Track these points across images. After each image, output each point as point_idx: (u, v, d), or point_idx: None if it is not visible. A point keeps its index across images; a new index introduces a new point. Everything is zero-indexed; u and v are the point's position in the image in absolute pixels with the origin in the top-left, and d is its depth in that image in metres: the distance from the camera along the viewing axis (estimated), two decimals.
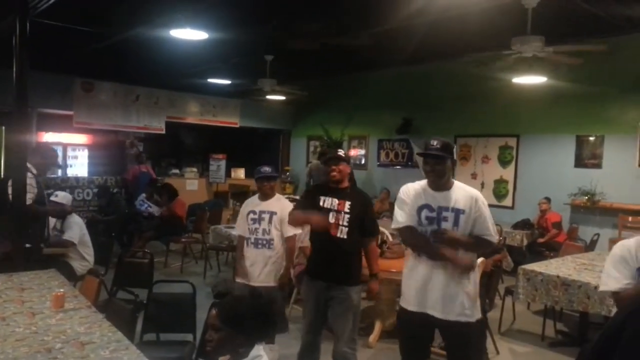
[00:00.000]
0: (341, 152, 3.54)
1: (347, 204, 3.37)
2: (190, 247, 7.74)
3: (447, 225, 2.77)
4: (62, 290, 3.06)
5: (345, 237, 3.35)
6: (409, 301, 2.88)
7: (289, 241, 3.92)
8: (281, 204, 3.97)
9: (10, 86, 4.44)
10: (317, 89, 10.17)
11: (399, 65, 8.73)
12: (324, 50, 7.22)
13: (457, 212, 2.77)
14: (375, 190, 10.25)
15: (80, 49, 7.48)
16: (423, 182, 2.90)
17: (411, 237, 2.91)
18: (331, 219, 3.36)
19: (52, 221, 4.94)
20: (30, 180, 4.26)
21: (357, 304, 3.43)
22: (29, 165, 4.33)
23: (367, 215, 3.45)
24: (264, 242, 3.90)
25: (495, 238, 2.86)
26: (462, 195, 2.80)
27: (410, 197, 2.89)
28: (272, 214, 3.91)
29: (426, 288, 2.80)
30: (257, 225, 3.92)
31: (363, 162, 11.02)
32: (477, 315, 2.86)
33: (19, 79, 4.41)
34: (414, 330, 2.90)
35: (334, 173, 3.41)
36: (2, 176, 8.24)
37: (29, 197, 4.22)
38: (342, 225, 3.35)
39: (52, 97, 9.08)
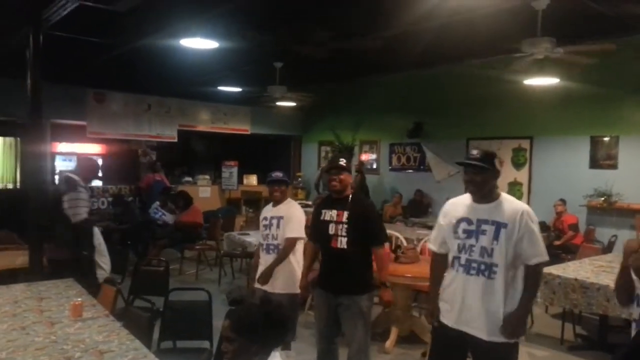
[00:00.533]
0: (342, 162, 3.52)
1: (346, 214, 3.38)
2: (205, 254, 7.77)
3: (485, 240, 2.60)
4: (80, 299, 3.08)
5: (345, 247, 3.36)
6: (444, 315, 2.78)
7: (286, 241, 3.86)
8: (288, 208, 3.97)
9: (24, 98, 4.51)
10: (327, 94, 10.19)
11: (409, 69, 8.69)
12: (333, 55, 7.23)
13: (499, 225, 2.58)
14: (387, 194, 10.23)
15: (92, 60, 7.57)
16: (468, 194, 2.77)
17: (432, 269, 2.92)
18: (331, 230, 3.40)
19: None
20: (84, 195, 4.31)
21: (366, 311, 3.41)
22: (76, 178, 4.38)
23: (369, 223, 3.41)
24: (273, 247, 3.91)
25: (546, 258, 2.61)
26: (506, 208, 2.61)
27: (448, 212, 2.82)
28: (279, 219, 3.91)
29: (463, 304, 2.67)
30: (267, 231, 3.95)
31: (375, 166, 11.00)
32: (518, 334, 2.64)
33: (33, 90, 4.49)
34: (445, 345, 2.80)
35: (334, 183, 3.43)
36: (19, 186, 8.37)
37: (83, 212, 4.27)
38: (341, 236, 3.37)
39: (65, 108, 9.19)
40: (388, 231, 5.95)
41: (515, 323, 2.57)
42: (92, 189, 9.36)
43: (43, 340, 2.62)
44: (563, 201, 7.37)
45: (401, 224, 8.14)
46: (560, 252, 6.86)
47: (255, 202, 10.46)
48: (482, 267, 2.60)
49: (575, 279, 4.31)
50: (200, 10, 5.27)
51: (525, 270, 2.60)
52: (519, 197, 8.32)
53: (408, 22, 5.49)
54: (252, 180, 11.80)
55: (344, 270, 3.39)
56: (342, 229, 3.37)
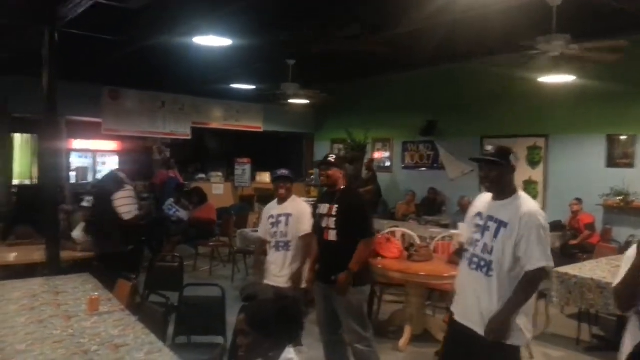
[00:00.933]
0: (331, 158, 3.66)
1: (335, 207, 3.51)
2: (218, 250, 7.80)
3: (488, 236, 2.59)
4: (96, 293, 3.11)
5: (334, 239, 3.50)
6: (454, 305, 2.80)
7: (302, 239, 3.91)
8: (296, 205, 4.02)
9: (40, 95, 4.56)
10: (340, 91, 10.17)
11: (422, 67, 8.66)
12: (345, 52, 7.21)
13: (500, 224, 2.56)
14: (400, 193, 10.19)
15: (106, 58, 7.64)
16: None
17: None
18: (323, 223, 3.55)
19: (85, 226, 5.05)
20: (130, 193, 4.36)
21: (356, 304, 3.50)
22: (122, 176, 4.44)
23: (355, 216, 3.51)
24: (283, 244, 3.94)
25: (542, 264, 2.48)
26: (513, 207, 2.56)
27: (473, 205, 2.83)
28: (287, 216, 3.95)
29: (465, 297, 2.70)
30: (275, 229, 3.98)
31: (388, 164, 10.96)
32: (518, 338, 2.55)
33: (49, 88, 4.53)
34: (453, 338, 2.82)
35: (322, 178, 3.62)
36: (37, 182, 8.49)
37: (133, 210, 4.34)
38: (331, 229, 3.51)
39: (80, 105, 9.28)
40: (401, 229, 5.99)
41: (494, 326, 2.51)
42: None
43: (60, 334, 2.65)
44: (579, 200, 7.28)
45: (414, 222, 8.11)
46: (577, 251, 6.78)
47: (268, 199, 10.39)
48: (482, 263, 2.60)
49: (592, 279, 4.25)
50: (212, 8, 5.30)
51: (523, 275, 2.53)
52: (534, 196, 8.23)
53: (421, 19, 5.46)
54: (264, 177, 11.81)
55: (334, 261, 3.50)
56: (332, 222, 3.51)
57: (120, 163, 5.04)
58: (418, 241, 5.40)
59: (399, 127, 10.55)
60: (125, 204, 4.27)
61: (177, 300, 3.72)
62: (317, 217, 3.66)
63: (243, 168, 11.19)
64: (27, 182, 10.30)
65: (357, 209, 3.56)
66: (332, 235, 3.50)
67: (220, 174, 11.49)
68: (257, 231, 6.85)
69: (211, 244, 7.63)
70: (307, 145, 13.08)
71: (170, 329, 3.41)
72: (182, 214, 7.99)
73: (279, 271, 3.93)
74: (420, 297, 4.88)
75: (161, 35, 6.25)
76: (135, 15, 5.39)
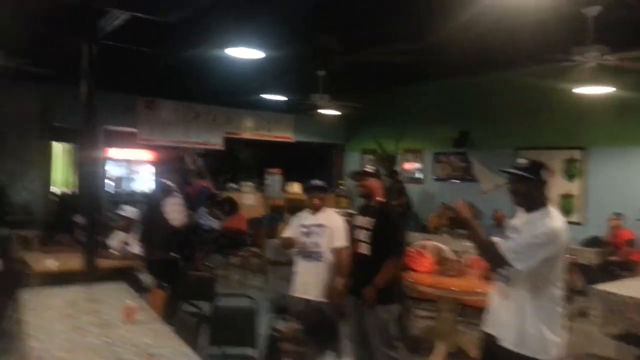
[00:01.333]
0: (369, 168, 3.67)
1: (370, 220, 3.48)
2: (249, 260, 7.85)
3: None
4: (132, 302, 3.16)
5: (367, 253, 3.47)
6: (486, 325, 2.76)
7: (336, 252, 3.87)
8: (330, 217, 4.00)
9: (79, 105, 4.69)
10: (370, 102, 10.14)
11: (454, 76, 8.56)
12: (376, 63, 7.22)
13: (517, 234, 2.59)
14: (431, 205, 10.05)
15: (142, 69, 7.85)
16: None
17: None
18: (359, 236, 3.53)
19: (121, 235, 5.16)
20: (179, 201, 4.48)
21: (382, 322, 3.44)
22: (171, 184, 4.56)
23: (389, 232, 3.46)
24: (314, 255, 3.91)
25: (514, 265, 2.46)
26: (540, 222, 2.53)
27: (514, 219, 2.80)
28: (321, 227, 3.93)
29: (494, 309, 2.69)
30: (307, 239, 3.95)
31: (419, 176, 10.84)
32: (546, 353, 2.49)
33: (88, 98, 4.66)
34: (483, 350, 2.79)
35: (358, 188, 3.60)
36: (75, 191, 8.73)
37: (182, 217, 4.44)
38: (364, 242, 3.48)
39: (116, 115, 9.51)
40: (433, 242, 5.89)
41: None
42: (142, 194, 9.71)
43: (98, 342, 2.70)
44: (619, 215, 7.03)
45: (447, 236, 7.97)
46: (617, 268, 6.53)
47: (298, 210, 10.44)
48: (503, 272, 2.61)
49: (631, 298, 4.09)
50: (246, 21, 5.39)
51: None
52: (570, 210, 8.00)
53: (453, 29, 5.42)
54: (295, 188, 11.85)
55: (366, 275, 3.46)
56: (366, 235, 3.49)
57: (163, 172, 5.13)
58: (452, 256, 5.30)
59: (430, 137, 10.44)
60: (174, 211, 4.37)
61: (209, 309, 3.74)
62: (353, 230, 3.66)
63: (274, 178, 11.27)
64: (66, 190, 10.60)
65: (393, 226, 3.53)
66: (364, 249, 3.49)
67: (251, 184, 11.58)
68: None
69: (242, 253, 7.68)
70: (337, 156, 13.08)
71: (203, 339, 3.43)
72: (214, 224, 8.08)
73: (310, 282, 3.91)
74: (452, 313, 4.78)
75: (196, 49, 6.39)
76: (172, 29, 5.52)
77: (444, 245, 5.79)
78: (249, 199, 10.92)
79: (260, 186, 11.70)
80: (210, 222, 8.07)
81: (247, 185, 11.43)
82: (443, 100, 9.89)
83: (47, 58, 6.98)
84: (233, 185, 11.57)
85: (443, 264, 4.81)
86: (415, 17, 5.45)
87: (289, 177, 11.71)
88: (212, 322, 3.61)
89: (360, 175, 3.59)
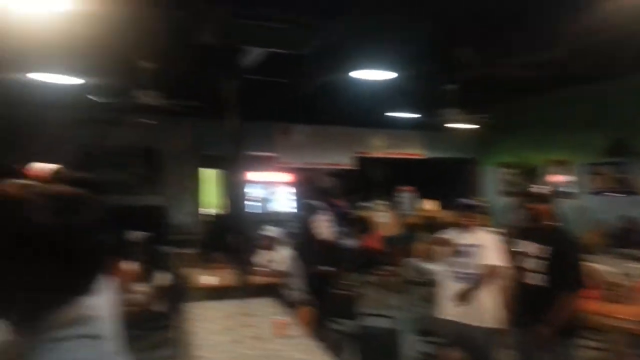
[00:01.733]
0: (537, 188, 3.37)
1: (543, 247, 3.15)
2: (387, 279, 7.79)
3: None
4: (284, 317, 3.29)
5: (539, 283, 3.14)
6: None
7: (491, 273, 3.58)
8: (483, 236, 3.78)
9: (221, 134, 5.12)
10: (507, 112, 9.60)
11: (607, 79, 7.72)
12: (512, 73, 6.80)
13: None
14: (584, 222, 9.11)
15: (278, 97, 8.36)
16: None
17: None
18: (525, 264, 3.21)
19: (266, 253, 5.45)
20: (324, 216, 4.82)
21: (564, 357, 3.08)
22: (314, 203, 4.93)
23: (569, 262, 3.10)
24: (467, 276, 3.71)
25: None
26: None
27: None
28: (474, 246, 3.72)
29: None
30: (457, 259, 3.77)
31: (567, 190, 9.92)
32: None
33: (232, 128, 5.07)
34: None
35: (529, 211, 3.27)
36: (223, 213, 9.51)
37: (327, 232, 4.79)
38: (536, 272, 3.15)
39: (256, 141, 10.21)
40: (591, 264, 5.30)
41: None
42: (281, 214, 10.21)
43: (253, 355, 2.85)
44: None
45: (606, 256, 7.15)
46: None
47: (433, 228, 10.20)
48: None
49: None
50: (376, 44, 5.46)
51: None
52: None
53: (602, 29, 4.91)
54: (429, 205, 11.59)
55: (535, 308, 3.13)
56: (538, 264, 3.16)
57: (306, 192, 5.40)
58: (616, 278, 4.72)
59: (580, 147, 9.51)
60: (325, 227, 4.56)
61: (353, 328, 3.77)
62: (514, 256, 3.38)
63: (406, 196, 11.15)
64: (220, 211, 11.56)
65: (574, 256, 3.20)
66: (536, 279, 3.17)
67: (384, 202, 11.58)
68: (424, 261, 6.75)
69: (379, 272, 7.65)
70: (472, 171, 12.54)
71: (343, 356, 3.45)
72: (349, 242, 8.18)
73: (462, 305, 3.72)
74: (618, 344, 4.22)
75: (329, 75, 6.63)
76: (306, 59, 5.81)
77: (605, 266, 5.19)
78: (382, 217, 10.90)
79: (393, 204, 11.64)
80: (347, 240, 8.20)
81: (380, 204, 11.44)
82: (592, 106, 8.97)
83: (194, 95, 7.77)
84: (366, 203, 11.66)
85: (608, 289, 4.29)
86: (557, 22, 5.05)
87: (422, 194, 11.49)
88: (358, 340, 3.62)
89: (530, 197, 3.30)
